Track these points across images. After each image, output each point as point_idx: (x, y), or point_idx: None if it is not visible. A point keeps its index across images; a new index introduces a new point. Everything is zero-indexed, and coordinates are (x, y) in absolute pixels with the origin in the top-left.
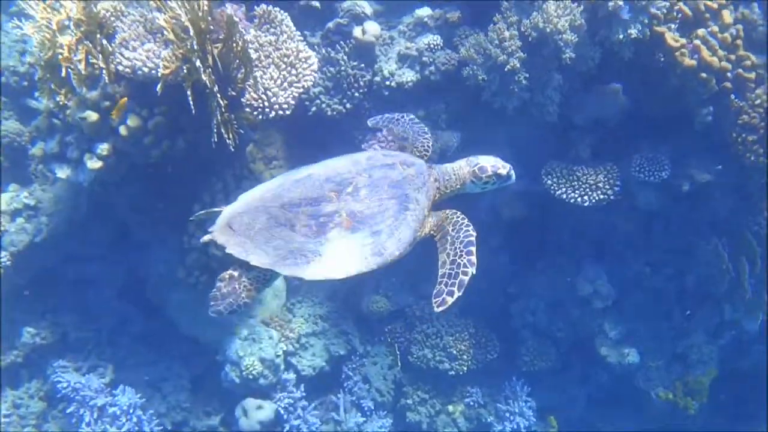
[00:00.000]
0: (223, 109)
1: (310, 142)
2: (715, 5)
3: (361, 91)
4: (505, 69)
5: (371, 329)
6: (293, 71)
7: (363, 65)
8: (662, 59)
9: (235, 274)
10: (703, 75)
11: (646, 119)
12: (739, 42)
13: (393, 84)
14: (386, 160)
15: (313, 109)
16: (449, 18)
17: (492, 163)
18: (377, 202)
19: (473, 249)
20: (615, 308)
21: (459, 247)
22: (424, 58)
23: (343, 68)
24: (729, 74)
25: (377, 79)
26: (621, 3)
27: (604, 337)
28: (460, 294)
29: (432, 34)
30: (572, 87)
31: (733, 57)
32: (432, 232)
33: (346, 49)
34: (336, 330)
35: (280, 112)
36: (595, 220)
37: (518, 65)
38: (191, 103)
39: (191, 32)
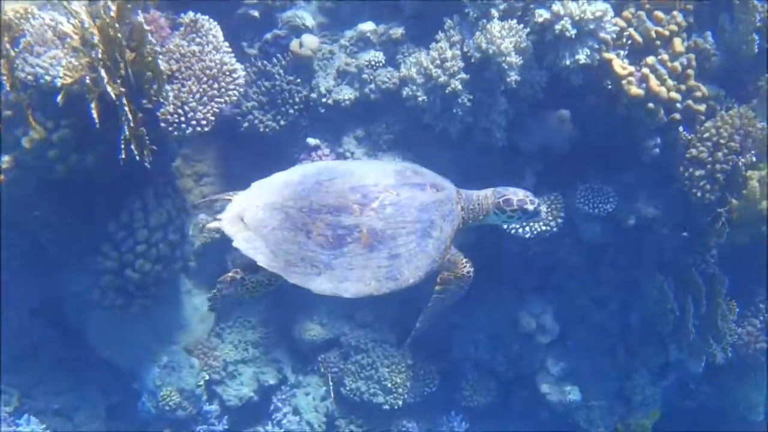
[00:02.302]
0: (132, 124)
1: (245, 158)
2: (667, 33)
3: (296, 107)
4: (447, 91)
5: (305, 358)
6: (215, 85)
7: (299, 80)
8: (610, 87)
9: (237, 277)
10: (651, 105)
11: (595, 148)
12: (690, 72)
13: (330, 101)
14: (417, 179)
15: (245, 124)
16: (392, 35)
17: (520, 197)
18: (401, 224)
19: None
20: (558, 344)
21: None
22: (364, 76)
23: (278, 83)
24: (679, 105)
25: (314, 95)
26: (569, 26)
27: (546, 373)
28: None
29: (374, 50)
30: (519, 111)
31: (683, 87)
32: (443, 270)
33: (283, 63)
34: (267, 358)
35: (198, 129)
36: (541, 251)
37: (460, 87)
38: (95, 116)
39: (96, 39)
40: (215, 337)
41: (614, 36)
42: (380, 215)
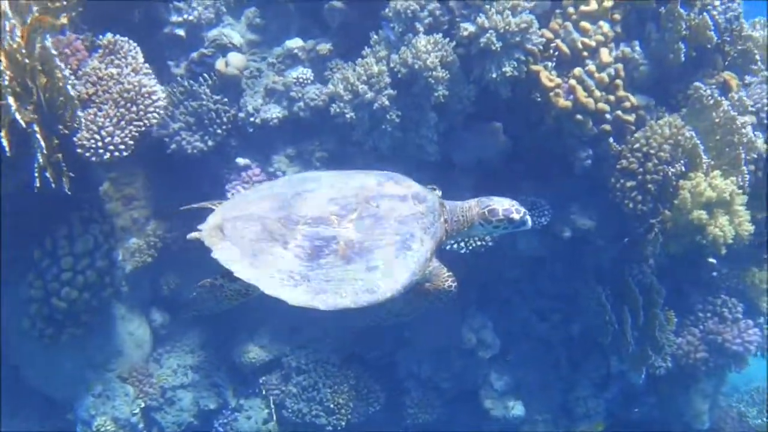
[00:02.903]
0: (45, 151)
1: (176, 180)
2: (593, 43)
3: (224, 127)
4: (374, 107)
5: (246, 381)
6: (133, 108)
7: (227, 100)
8: (539, 99)
9: (217, 283)
10: (579, 117)
11: (529, 160)
12: (618, 82)
13: (258, 120)
14: (398, 190)
15: (173, 146)
16: (320, 50)
17: (505, 207)
18: (380, 236)
19: None
20: (501, 358)
21: None
22: (292, 93)
23: (205, 103)
24: (608, 116)
25: (242, 114)
26: (494, 39)
27: (489, 388)
28: None
29: (303, 67)
30: (451, 125)
31: (612, 98)
32: (425, 282)
33: (209, 82)
34: (207, 382)
35: (116, 154)
36: (480, 264)
37: (388, 103)
38: (5, 144)
39: (2, 66)
40: (154, 362)
41: (541, 47)
42: (358, 227)
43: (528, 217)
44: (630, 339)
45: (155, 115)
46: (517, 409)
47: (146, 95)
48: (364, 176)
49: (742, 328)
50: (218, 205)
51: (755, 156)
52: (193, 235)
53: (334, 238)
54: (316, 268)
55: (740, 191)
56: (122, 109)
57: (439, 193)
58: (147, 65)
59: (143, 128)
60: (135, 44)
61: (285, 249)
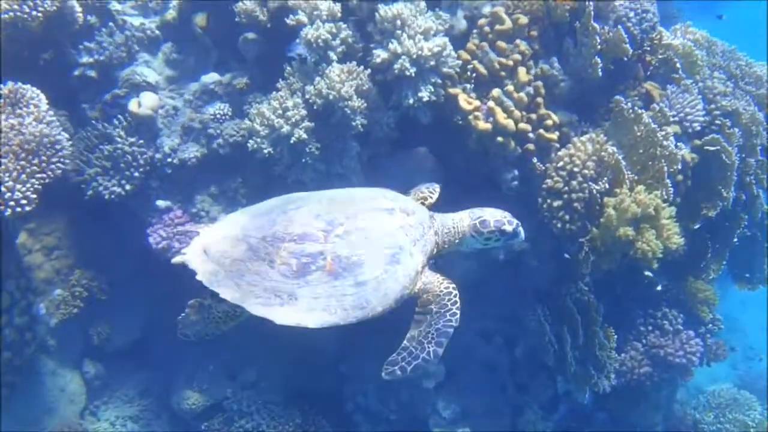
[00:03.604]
0: None
1: (97, 226)
2: (511, 63)
3: (141, 170)
4: (292, 141)
5: (188, 427)
6: (35, 160)
7: (142, 141)
8: (460, 122)
9: (206, 303)
10: (500, 139)
11: (458, 183)
12: (539, 100)
13: (176, 161)
14: (386, 204)
15: (90, 192)
16: (236, 84)
17: (497, 218)
18: (368, 250)
19: (445, 342)
20: (449, 384)
21: (433, 333)
22: (210, 130)
23: (119, 146)
24: (531, 135)
25: (159, 155)
26: (407, 64)
27: (438, 417)
28: (410, 376)
29: (220, 102)
30: (376, 153)
31: (534, 116)
32: (420, 294)
33: (124, 124)
34: None
35: (18, 209)
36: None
37: (305, 136)
38: None
39: None
40: (90, 415)
41: (458, 70)
42: (345, 242)
43: (521, 229)
44: (570, 359)
45: (59, 165)
46: None
47: (49, 145)
48: (351, 192)
49: (683, 339)
50: (205, 229)
51: (678, 167)
52: (178, 258)
53: (321, 254)
54: (304, 286)
55: (665, 204)
56: (23, 162)
57: (437, 194)
58: (51, 113)
59: (47, 180)
60: (38, 91)
61: (271, 268)
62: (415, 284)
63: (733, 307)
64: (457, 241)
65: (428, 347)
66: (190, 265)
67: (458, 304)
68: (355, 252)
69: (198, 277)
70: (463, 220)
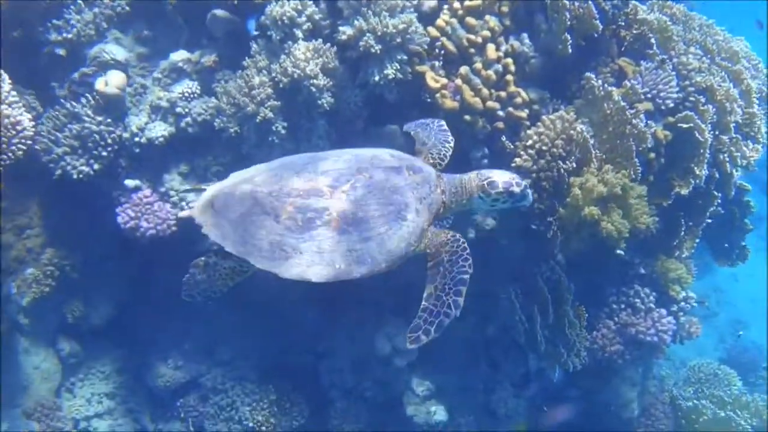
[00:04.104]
0: None
1: (68, 205)
2: (480, 40)
3: (109, 149)
4: (258, 120)
5: (164, 404)
6: None
7: (110, 120)
8: (429, 100)
9: (210, 261)
10: (467, 117)
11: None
12: (509, 77)
13: (143, 140)
14: (393, 162)
15: (58, 172)
16: (205, 62)
17: (505, 179)
18: (373, 206)
19: (463, 289)
20: (423, 362)
21: (449, 284)
22: (178, 109)
23: (87, 125)
24: (500, 113)
25: (126, 135)
26: (373, 42)
27: (412, 394)
28: (436, 336)
29: (189, 80)
30: (346, 131)
31: (503, 94)
32: (428, 250)
33: (92, 103)
34: (123, 408)
35: None
36: (395, 270)
37: (271, 115)
38: None
39: None
40: (66, 392)
41: (426, 47)
42: (351, 197)
43: (529, 191)
44: (540, 338)
45: (21, 146)
46: (439, 414)
47: (10, 126)
48: (358, 150)
49: (655, 318)
50: (211, 185)
51: (648, 146)
52: (184, 212)
53: (326, 210)
54: (309, 240)
55: (635, 183)
56: None
57: (447, 158)
58: (14, 93)
59: (8, 161)
60: (3, 74)
61: (276, 222)
62: (421, 242)
63: (724, 280)
64: (464, 201)
65: (447, 299)
66: (195, 219)
67: (468, 250)
68: (361, 208)
69: (204, 231)
70: (471, 180)
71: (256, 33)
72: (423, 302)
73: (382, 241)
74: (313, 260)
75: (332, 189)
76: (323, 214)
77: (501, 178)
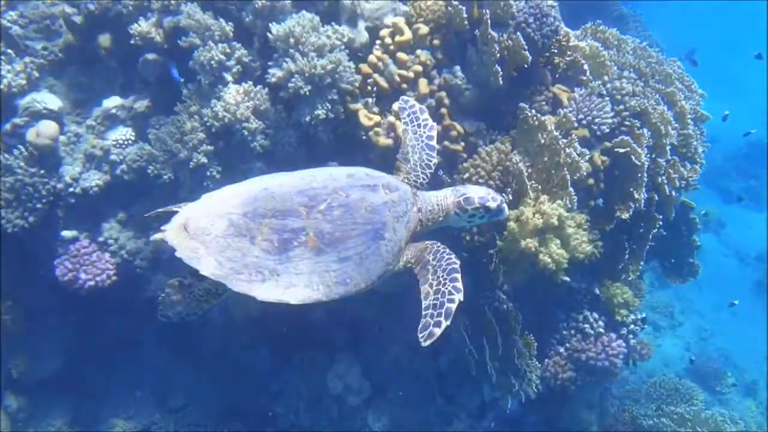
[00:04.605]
0: None
1: (11, 257)
2: (412, 74)
3: (44, 200)
4: (191, 165)
5: None
6: None
7: (44, 171)
8: (364, 137)
9: (186, 282)
10: None
11: None
12: (443, 111)
13: (78, 190)
14: (368, 180)
15: None
16: (138, 108)
17: (481, 195)
18: (350, 226)
19: (458, 276)
20: (378, 397)
21: (442, 276)
22: (113, 156)
23: (20, 177)
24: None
25: (60, 185)
26: (301, 83)
27: (369, 430)
28: (448, 323)
29: (123, 126)
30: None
31: (439, 128)
32: (409, 265)
33: (24, 154)
34: None
35: None
36: (344, 307)
37: (204, 160)
38: None
39: None
40: None
41: (356, 85)
42: (328, 217)
43: (505, 206)
44: (490, 370)
45: None
46: None
47: None
48: (332, 169)
49: (605, 342)
50: (183, 207)
51: (584, 174)
52: (157, 236)
53: (303, 230)
54: (285, 261)
55: (572, 213)
56: None
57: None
58: None
59: None
60: None
61: (252, 244)
62: (399, 261)
63: (689, 289)
64: (441, 218)
65: (446, 288)
66: (169, 242)
67: (448, 249)
68: (338, 228)
69: (178, 254)
70: (447, 197)
71: (183, 80)
72: (424, 302)
73: (360, 260)
74: (291, 282)
75: (308, 209)
76: (300, 235)
77: (477, 193)
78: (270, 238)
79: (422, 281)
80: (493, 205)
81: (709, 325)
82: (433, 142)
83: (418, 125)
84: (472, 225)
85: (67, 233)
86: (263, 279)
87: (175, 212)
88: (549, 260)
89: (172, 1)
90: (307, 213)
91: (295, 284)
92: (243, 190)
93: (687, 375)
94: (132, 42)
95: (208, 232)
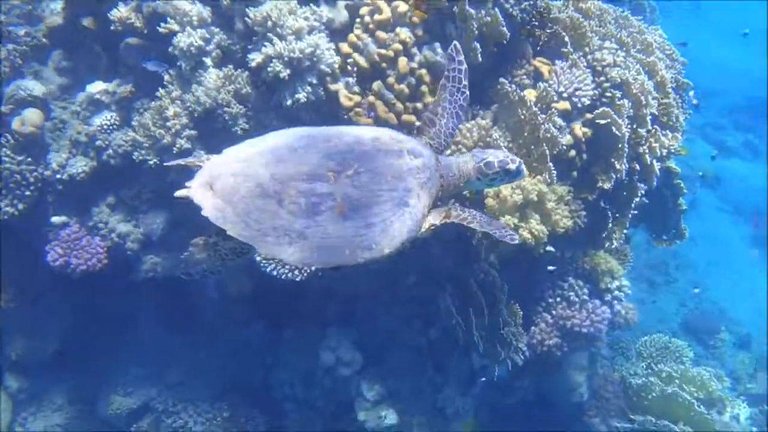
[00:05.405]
0: None
1: (4, 244)
2: (391, 53)
3: (32, 188)
4: (174, 151)
5: (119, 430)
6: None
7: (31, 159)
8: (346, 117)
9: (211, 241)
10: None
11: None
12: (424, 89)
13: (65, 177)
14: (393, 145)
15: None
16: (121, 93)
17: (500, 158)
18: (377, 192)
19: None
20: (372, 368)
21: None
22: (98, 142)
23: (8, 166)
24: (418, 124)
25: (48, 172)
26: (280, 67)
27: (363, 399)
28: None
29: (108, 111)
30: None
31: (419, 105)
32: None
33: (11, 143)
34: None
35: None
36: (337, 281)
37: (188, 145)
38: None
39: None
40: (19, 427)
41: (337, 66)
42: (355, 183)
43: (523, 167)
44: (477, 340)
45: None
46: (389, 418)
47: None
48: (358, 130)
49: (590, 309)
50: (206, 161)
51: (564, 148)
52: (181, 192)
53: (331, 195)
54: (313, 226)
55: (554, 186)
56: None
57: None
58: None
59: None
60: None
61: (280, 206)
62: (421, 227)
63: (684, 245)
64: (462, 183)
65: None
66: (194, 199)
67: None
68: (365, 194)
69: (204, 213)
70: (467, 163)
71: (165, 68)
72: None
73: (385, 227)
74: (318, 245)
75: (336, 174)
76: (328, 200)
77: (496, 157)
78: (297, 201)
79: (469, 220)
80: (513, 167)
81: (705, 280)
82: (462, 112)
83: (457, 89)
84: (492, 187)
85: (56, 219)
86: (290, 241)
87: (199, 165)
88: (529, 236)
89: None
90: (336, 177)
91: (322, 247)
92: (269, 147)
93: (681, 330)
94: (112, 28)
95: (235, 192)
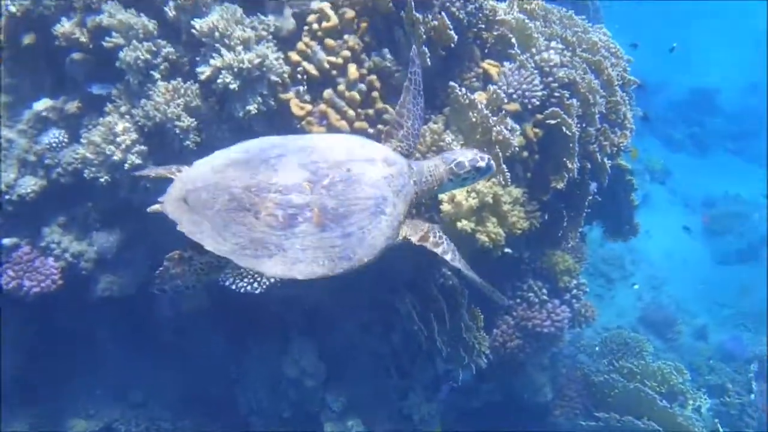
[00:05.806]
0: None
1: None
2: (341, 60)
3: None
4: (125, 167)
5: None
6: None
7: None
8: (298, 126)
9: (186, 255)
10: None
11: None
12: (375, 95)
13: (14, 197)
14: (367, 153)
15: None
16: (68, 109)
17: (470, 157)
18: (353, 201)
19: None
20: (335, 378)
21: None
22: (47, 161)
23: None
24: (371, 131)
25: None
26: (230, 79)
27: (329, 411)
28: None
29: (56, 128)
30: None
31: (371, 112)
32: (416, 242)
33: None
34: None
35: None
36: (297, 288)
37: (139, 161)
38: None
39: None
40: None
41: (286, 75)
42: (331, 193)
43: (492, 162)
44: (440, 345)
45: None
46: (356, 427)
47: None
48: (330, 139)
49: (549, 309)
50: (177, 173)
51: (516, 150)
52: (155, 207)
53: (307, 206)
54: (291, 237)
55: (508, 188)
56: None
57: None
58: None
59: None
60: None
61: (257, 219)
62: (398, 234)
63: (638, 239)
64: (436, 187)
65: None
66: (169, 215)
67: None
68: (342, 203)
69: (180, 228)
70: (438, 166)
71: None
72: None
73: (363, 236)
74: (297, 258)
75: (311, 184)
76: (305, 211)
77: (466, 157)
78: (274, 213)
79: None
80: (482, 164)
81: (660, 273)
82: (422, 113)
83: (419, 92)
84: (464, 186)
85: (7, 241)
86: (270, 254)
87: (168, 177)
88: (486, 239)
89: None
90: (311, 188)
91: (302, 260)
92: (241, 159)
93: (640, 324)
94: (56, 43)
95: (209, 206)
